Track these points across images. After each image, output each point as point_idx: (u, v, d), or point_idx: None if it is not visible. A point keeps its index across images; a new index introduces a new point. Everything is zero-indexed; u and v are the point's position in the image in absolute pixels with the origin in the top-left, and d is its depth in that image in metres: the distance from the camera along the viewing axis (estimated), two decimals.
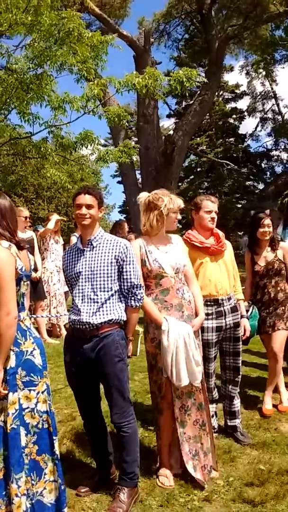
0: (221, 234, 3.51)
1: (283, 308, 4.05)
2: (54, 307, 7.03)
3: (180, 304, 2.94)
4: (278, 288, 4.05)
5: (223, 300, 3.37)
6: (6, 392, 2.17)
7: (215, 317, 3.34)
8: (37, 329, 6.57)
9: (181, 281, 2.98)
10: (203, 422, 2.98)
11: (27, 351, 2.27)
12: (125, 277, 2.72)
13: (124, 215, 30.88)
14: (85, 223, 2.74)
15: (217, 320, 3.36)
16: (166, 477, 2.93)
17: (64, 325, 7.36)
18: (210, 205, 3.43)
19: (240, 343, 3.53)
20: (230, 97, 30.00)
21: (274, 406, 4.07)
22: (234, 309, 3.45)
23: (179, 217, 3.06)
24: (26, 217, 6.47)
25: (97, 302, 2.67)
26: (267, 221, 4.01)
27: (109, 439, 2.99)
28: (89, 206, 2.73)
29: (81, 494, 2.78)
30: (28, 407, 2.25)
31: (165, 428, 3.02)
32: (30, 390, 2.26)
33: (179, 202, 3.04)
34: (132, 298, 2.74)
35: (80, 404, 2.91)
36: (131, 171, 17.49)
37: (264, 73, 22.45)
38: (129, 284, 2.72)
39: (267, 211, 4.12)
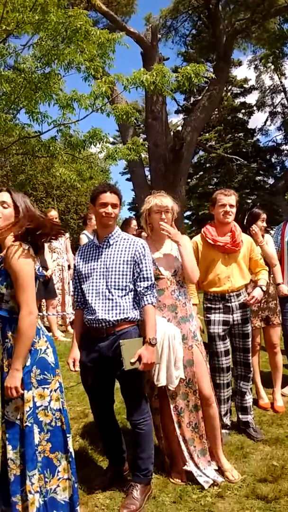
0: (237, 232, 3.48)
1: (275, 302, 4.11)
2: (54, 307, 7.05)
3: (174, 305, 2.95)
4: (270, 281, 4.08)
5: (230, 296, 3.40)
6: (23, 392, 2.19)
7: (222, 311, 3.39)
8: (48, 327, 6.64)
9: (178, 283, 2.99)
10: (196, 425, 2.96)
11: (41, 349, 2.29)
12: (145, 275, 2.72)
13: (134, 212, 30.89)
14: (110, 223, 2.76)
15: (224, 315, 3.40)
16: (178, 473, 2.94)
17: (70, 322, 7.40)
18: (223, 198, 3.43)
19: (249, 340, 3.51)
20: (238, 91, 29.78)
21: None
22: (242, 306, 3.45)
23: (163, 216, 2.98)
24: None
25: (112, 300, 2.67)
26: (264, 215, 4.07)
27: (121, 436, 3.00)
28: (114, 206, 2.75)
29: (94, 491, 2.79)
30: (41, 405, 2.27)
31: (164, 427, 3.03)
32: (44, 388, 2.28)
33: (156, 202, 2.99)
34: (151, 295, 2.73)
35: (94, 402, 2.91)
36: (140, 168, 17.47)
37: (272, 67, 22.28)
38: (148, 282, 2.72)
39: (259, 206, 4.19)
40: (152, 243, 3.04)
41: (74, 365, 2.80)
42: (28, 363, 2.23)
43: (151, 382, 2.95)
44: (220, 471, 2.96)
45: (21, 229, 2.22)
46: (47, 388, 2.29)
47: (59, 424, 2.32)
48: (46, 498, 2.26)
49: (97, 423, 2.97)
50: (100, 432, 3.01)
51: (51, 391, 2.30)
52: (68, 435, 2.35)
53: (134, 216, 7.68)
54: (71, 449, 2.36)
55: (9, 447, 2.18)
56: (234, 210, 3.44)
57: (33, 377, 2.24)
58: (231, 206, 3.41)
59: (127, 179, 30.61)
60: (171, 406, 2.93)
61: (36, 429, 2.22)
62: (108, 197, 2.74)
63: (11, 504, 2.19)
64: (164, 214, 2.97)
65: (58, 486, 2.30)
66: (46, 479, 2.27)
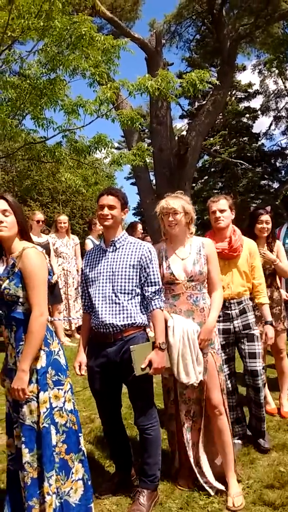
0: (235, 237, 3.41)
1: (279, 308, 4.05)
2: (60, 312, 7.05)
3: (190, 310, 2.90)
4: (273, 287, 4.03)
5: (231, 303, 3.36)
6: (31, 395, 2.20)
7: (221, 320, 3.32)
8: (55, 331, 6.64)
9: (195, 288, 2.91)
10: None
11: (54, 351, 2.33)
12: (152, 280, 2.71)
13: (139, 217, 30.90)
14: (106, 224, 2.75)
15: (223, 323, 3.34)
16: (185, 479, 2.92)
17: (76, 328, 7.40)
18: (212, 205, 3.43)
19: (256, 344, 3.38)
20: (243, 96, 29.83)
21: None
22: (243, 312, 3.38)
23: (171, 219, 2.92)
24: (39, 221, 6.51)
25: (118, 304, 2.66)
26: (265, 217, 3.94)
27: (128, 442, 2.99)
28: (111, 207, 2.73)
29: (100, 497, 2.78)
30: (57, 406, 2.29)
31: (178, 434, 2.99)
32: (58, 389, 2.31)
33: (162, 204, 2.97)
34: (159, 299, 2.71)
35: (102, 408, 2.90)
36: (144, 173, 17.48)
37: (277, 71, 22.28)
38: (155, 287, 2.71)
39: (268, 208, 4.02)
40: (170, 247, 3.01)
41: (80, 369, 2.79)
42: (44, 364, 2.25)
43: (168, 387, 2.93)
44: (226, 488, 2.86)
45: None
46: (61, 389, 2.32)
47: (71, 425, 2.34)
48: (62, 500, 2.27)
49: (104, 428, 2.97)
50: (107, 437, 3.00)
51: (64, 392, 2.33)
52: (80, 434, 2.38)
53: (139, 221, 7.67)
54: (83, 448, 2.38)
55: (25, 450, 2.19)
56: (226, 214, 3.39)
57: (49, 378, 2.27)
58: (221, 211, 3.38)
59: (132, 184, 30.68)
60: (184, 411, 2.90)
61: (53, 430, 2.24)
62: (105, 199, 2.75)
63: (26, 508, 2.19)
64: (172, 216, 2.91)
65: (71, 488, 2.32)
66: (62, 481, 2.28)
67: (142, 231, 7.35)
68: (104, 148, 7.71)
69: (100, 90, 6.91)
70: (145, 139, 23.71)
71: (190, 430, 2.92)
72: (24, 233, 2.34)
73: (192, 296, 2.90)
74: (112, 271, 2.71)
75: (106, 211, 2.73)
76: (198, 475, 2.88)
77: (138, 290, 2.71)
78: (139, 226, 6.99)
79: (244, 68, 27.73)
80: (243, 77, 51.19)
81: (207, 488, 2.83)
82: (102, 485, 2.88)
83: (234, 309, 3.36)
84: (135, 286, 2.70)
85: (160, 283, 2.76)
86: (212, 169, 29.43)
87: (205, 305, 2.92)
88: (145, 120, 23.84)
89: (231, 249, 3.37)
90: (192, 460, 2.90)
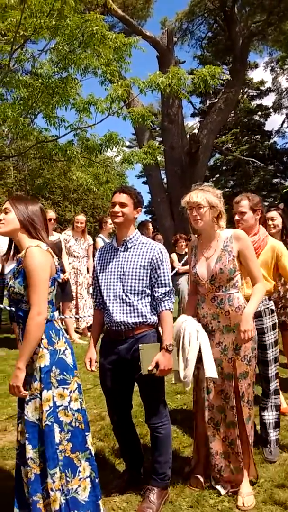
0: (254, 239, 3.20)
1: None
2: (70, 310, 7.07)
3: (215, 313, 2.79)
4: (287, 286, 3.98)
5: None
6: (27, 393, 2.21)
7: None
8: (66, 329, 6.67)
9: (218, 289, 2.77)
10: (232, 441, 2.81)
11: (60, 350, 2.32)
12: (162, 281, 2.68)
13: (150, 216, 30.89)
14: (117, 221, 2.73)
15: None
16: (196, 478, 2.91)
17: (87, 327, 7.43)
18: (234, 206, 3.27)
19: (268, 351, 3.21)
20: (255, 94, 29.67)
21: None
22: (257, 315, 3.14)
23: (194, 214, 2.77)
24: (50, 219, 6.53)
25: (129, 304, 2.66)
26: (271, 214, 3.82)
27: (138, 440, 2.99)
28: (122, 205, 2.71)
29: (111, 493, 2.78)
30: (62, 405, 2.29)
31: (198, 435, 2.97)
32: (64, 389, 2.30)
33: (185, 199, 2.83)
34: (168, 301, 2.69)
35: (112, 405, 2.89)
36: (156, 172, 17.48)
37: None
38: (165, 288, 2.68)
39: (281, 205, 3.97)
40: (199, 244, 2.91)
41: (90, 365, 2.80)
42: (47, 363, 2.25)
43: (196, 397, 2.92)
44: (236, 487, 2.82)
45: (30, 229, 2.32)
46: (67, 388, 2.31)
47: (78, 424, 2.34)
48: (68, 497, 2.27)
49: (114, 426, 2.97)
50: (116, 435, 3.00)
51: (70, 392, 2.32)
52: (87, 433, 2.37)
53: (150, 220, 7.67)
54: (90, 446, 2.38)
55: (29, 447, 2.21)
56: (246, 216, 3.20)
57: (52, 376, 2.26)
58: (241, 213, 3.23)
59: (143, 183, 30.69)
60: (207, 418, 2.83)
61: (56, 428, 2.24)
62: (117, 197, 2.74)
63: (31, 503, 2.20)
64: (196, 210, 2.75)
65: (79, 486, 2.32)
66: (68, 479, 2.28)
67: (152, 230, 7.36)
68: (115, 146, 7.73)
69: (112, 88, 6.91)
70: (156, 137, 23.70)
71: (214, 439, 2.84)
72: (33, 231, 2.33)
73: (216, 298, 2.79)
74: (123, 271, 2.70)
75: (117, 208, 2.72)
76: (212, 476, 2.85)
77: (148, 291, 2.70)
78: (150, 225, 6.99)
79: (256, 66, 27.58)
80: (255, 75, 50.71)
81: (218, 488, 2.82)
82: (112, 482, 2.88)
83: None
84: (145, 287, 2.68)
85: (170, 284, 2.72)
86: (224, 168, 29.34)
87: (231, 308, 2.76)
88: (156, 118, 23.83)
89: None
90: (213, 466, 2.85)
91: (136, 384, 2.79)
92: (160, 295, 2.67)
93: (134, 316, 2.65)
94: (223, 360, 2.80)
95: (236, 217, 3.26)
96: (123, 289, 2.68)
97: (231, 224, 3.03)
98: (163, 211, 16.98)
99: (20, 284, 2.24)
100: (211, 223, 2.80)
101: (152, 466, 2.77)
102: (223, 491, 2.80)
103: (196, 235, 2.96)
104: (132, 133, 24.71)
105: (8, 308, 5.78)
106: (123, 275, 2.69)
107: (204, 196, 2.75)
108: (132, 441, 2.95)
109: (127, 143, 22.68)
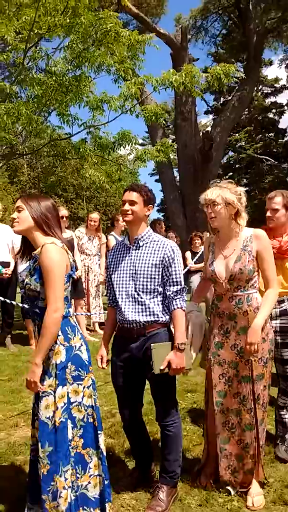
0: (285, 239, 3.14)
1: None
2: (82, 307, 7.10)
3: (233, 313, 2.75)
4: None
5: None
6: (45, 388, 2.23)
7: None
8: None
9: (236, 289, 2.73)
10: (247, 444, 2.78)
11: (75, 346, 2.33)
12: (174, 280, 2.66)
13: (162, 214, 30.87)
14: (127, 219, 2.73)
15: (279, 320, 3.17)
16: (206, 477, 2.90)
17: (99, 324, 7.46)
18: (267, 202, 3.21)
19: None
20: (269, 91, 29.43)
21: None
22: (283, 313, 3.16)
23: (210, 211, 2.75)
24: (63, 217, 6.56)
25: (141, 302, 2.65)
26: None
27: (148, 438, 2.99)
28: (132, 203, 2.69)
29: (120, 491, 2.78)
30: (75, 401, 2.30)
31: (209, 435, 2.94)
32: (78, 385, 2.31)
33: (201, 196, 2.79)
34: (180, 299, 2.67)
35: (122, 403, 2.88)
36: (168, 170, 17.46)
37: None
38: (177, 287, 2.66)
39: None
40: (217, 241, 2.86)
41: (101, 362, 2.81)
42: (63, 359, 2.27)
43: (206, 392, 2.91)
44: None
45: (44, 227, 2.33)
46: (81, 384, 2.33)
47: (91, 420, 2.35)
48: (77, 493, 2.28)
49: (125, 424, 2.97)
50: (127, 433, 3.01)
51: (84, 388, 2.34)
52: (99, 432, 2.38)
53: (162, 218, 7.67)
54: (102, 446, 2.38)
55: (39, 444, 2.23)
56: (279, 214, 3.14)
57: (68, 373, 2.28)
58: (273, 210, 3.17)
59: (156, 181, 30.66)
60: (221, 420, 2.80)
61: (69, 425, 2.26)
62: (127, 194, 2.73)
63: (40, 501, 2.23)
64: (211, 208, 2.72)
65: (89, 482, 2.33)
66: (78, 475, 2.30)
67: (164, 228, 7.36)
68: (128, 144, 7.72)
69: (125, 85, 6.91)
70: (169, 135, 23.65)
71: (228, 441, 2.81)
72: (47, 228, 2.35)
73: (235, 298, 2.74)
74: (135, 270, 2.69)
75: (126, 206, 2.71)
76: (223, 474, 2.83)
77: (160, 289, 2.68)
78: (162, 223, 6.98)
79: (270, 63, 27.33)
80: (270, 72, 50.43)
81: (228, 487, 2.81)
82: (122, 479, 2.90)
83: (276, 308, 3.13)
84: (157, 285, 2.67)
85: (182, 282, 2.70)
86: (237, 166, 29.17)
87: (249, 308, 2.72)
88: (169, 116, 23.79)
89: (279, 250, 3.13)
90: (226, 467, 2.82)
91: (147, 382, 2.79)
92: (172, 293, 2.66)
93: (146, 315, 2.65)
94: (239, 362, 2.76)
95: (268, 214, 3.20)
96: (135, 288, 2.68)
97: (253, 223, 2.95)
98: (175, 209, 16.97)
99: (36, 281, 2.25)
100: (228, 221, 2.74)
101: (162, 464, 2.78)
102: (232, 491, 2.79)
103: (213, 233, 2.91)
104: (145, 131, 24.70)
105: (20, 304, 5.84)
106: (135, 273, 2.69)
107: (220, 193, 2.70)
108: (142, 439, 2.95)
109: (140, 141, 22.72)
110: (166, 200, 18.70)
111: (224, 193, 2.69)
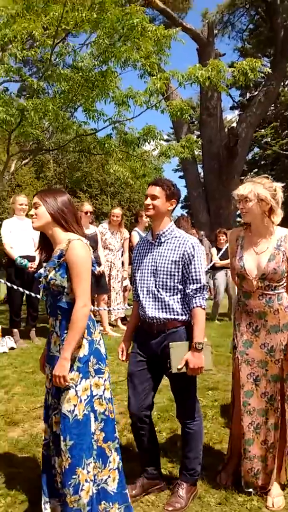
0: None
1: None
2: (105, 302, 7.12)
3: (263, 312, 2.69)
4: None
5: None
6: (71, 382, 2.25)
7: None
8: (99, 321, 6.75)
9: (268, 287, 2.67)
10: (272, 444, 2.73)
11: (96, 340, 2.36)
12: (194, 277, 2.61)
13: (186, 210, 30.74)
14: (148, 214, 2.72)
15: None
16: (227, 475, 2.88)
17: (122, 319, 7.48)
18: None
19: None
20: None
21: None
22: None
23: (241, 206, 2.70)
24: (87, 212, 6.59)
25: (161, 299, 2.64)
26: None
27: (156, 436, 2.89)
28: (154, 197, 2.67)
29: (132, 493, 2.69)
30: (97, 394, 2.32)
31: (234, 436, 2.91)
32: (99, 378, 2.33)
33: (235, 191, 2.74)
34: (200, 297, 2.60)
35: (133, 393, 2.77)
36: (193, 166, 17.37)
37: None
38: (197, 285, 2.60)
39: None
40: (248, 236, 2.79)
41: (122, 355, 2.82)
42: (86, 353, 2.29)
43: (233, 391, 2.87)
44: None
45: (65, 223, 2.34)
46: (101, 377, 2.35)
47: (109, 413, 2.37)
48: (99, 488, 2.30)
49: (131, 417, 2.83)
50: (133, 430, 2.86)
51: (104, 381, 2.36)
52: (115, 423, 2.41)
53: (186, 214, 7.64)
54: (117, 434, 2.41)
55: (60, 438, 2.24)
56: None
57: (90, 366, 2.30)
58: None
59: (180, 177, 30.53)
60: (247, 421, 2.75)
61: (92, 418, 2.28)
62: (149, 189, 2.71)
63: (61, 494, 2.25)
64: (243, 203, 2.66)
65: (109, 477, 2.34)
66: (99, 469, 2.31)
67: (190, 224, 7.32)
68: (153, 140, 7.72)
69: (151, 81, 6.90)
70: (194, 131, 23.50)
71: (252, 443, 2.77)
72: (65, 224, 2.35)
73: (265, 296, 2.68)
74: (156, 266, 2.68)
75: (148, 201, 2.69)
76: (244, 475, 2.78)
77: (181, 287, 2.64)
78: (189, 220, 6.94)
79: None
80: None
81: (249, 490, 2.77)
82: (141, 475, 2.85)
83: None
84: (177, 283, 2.64)
85: (202, 280, 2.64)
86: (262, 162, 28.79)
87: (280, 307, 2.67)
88: (195, 111, 23.62)
89: None
90: (248, 470, 2.77)
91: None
92: (192, 291, 2.61)
93: (165, 312, 2.63)
94: (269, 362, 2.71)
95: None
96: (155, 285, 2.67)
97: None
98: (199, 206, 16.88)
99: (63, 277, 2.27)
100: (261, 218, 2.67)
101: (182, 462, 2.77)
102: (253, 491, 2.77)
103: (244, 227, 2.83)
104: (170, 127, 24.60)
105: (40, 296, 5.92)
106: (155, 270, 2.67)
107: (252, 189, 2.64)
108: (149, 436, 2.83)
109: (165, 137, 22.61)
110: (190, 197, 18.61)
111: (256, 189, 2.63)
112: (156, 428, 2.95)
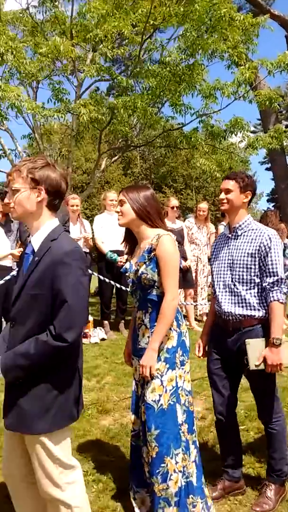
0: None
1: None
2: (192, 297, 7.07)
3: None
4: None
5: None
6: (157, 373, 2.28)
7: None
8: (185, 315, 6.75)
9: None
10: None
11: (183, 332, 2.40)
12: (270, 270, 2.52)
13: (273, 204, 29.67)
14: (223, 208, 2.69)
15: None
16: None
17: (205, 314, 7.42)
18: None
19: None
20: None
21: None
22: None
23: None
24: (173, 207, 6.62)
25: (237, 294, 2.58)
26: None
27: (240, 438, 2.83)
28: (227, 191, 2.64)
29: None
30: (181, 386, 2.35)
31: None
32: (183, 370, 2.36)
33: None
34: (278, 291, 2.50)
35: (216, 390, 2.75)
36: (281, 157, 16.67)
37: None
38: (274, 278, 2.51)
39: None
40: None
41: (198, 351, 2.82)
42: (175, 344, 2.33)
43: None
44: None
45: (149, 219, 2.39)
46: (184, 369, 2.38)
47: (189, 406, 2.39)
48: (187, 480, 2.31)
49: (218, 419, 2.79)
50: (218, 432, 2.85)
51: (185, 373, 2.39)
52: (193, 415, 2.42)
53: (273, 208, 7.38)
54: (195, 427, 2.42)
55: (146, 428, 2.29)
56: None
57: (177, 357, 2.34)
58: None
59: (267, 169, 29.52)
60: None
61: (179, 408, 2.30)
62: (223, 183, 2.69)
63: (149, 484, 2.29)
64: None
65: (192, 469, 2.35)
66: (187, 461, 2.33)
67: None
68: (240, 132, 7.56)
69: (239, 71, 6.75)
70: (282, 120, 22.57)
71: None
72: (148, 220, 2.40)
73: None
74: (232, 260, 2.63)
75: (222, 195, 2.68)
76: None
77: (258, 280, 2.56)
78: (277, 213, 6.68)
79: None
80: None
81: None
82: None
83: None
84: (254, 276, 2.56)
85: (280, 273, 2.53)
86: None
87: None
88: (283, 100, 22.68)
89: None
90: None
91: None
92: (268, 285, 2.51)
93: (242, 307, 2.57)
94: None
95: None
96: (232, 278, 2.62)
97: None
98: (287, 199, 16.21)
99: (153, 271, 2.32)
100: None
101: (268, 463, 2.69)
102: None
103: None
104: (257, 118, 23.86)
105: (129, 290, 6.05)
106: (232, 263, 2.63)
107: None
108: (232, 435, 2.79)
109: (252, 128, 22.00)
110: (278, 189, 17.93)
111: None
112: (243, 427, 2.90)
